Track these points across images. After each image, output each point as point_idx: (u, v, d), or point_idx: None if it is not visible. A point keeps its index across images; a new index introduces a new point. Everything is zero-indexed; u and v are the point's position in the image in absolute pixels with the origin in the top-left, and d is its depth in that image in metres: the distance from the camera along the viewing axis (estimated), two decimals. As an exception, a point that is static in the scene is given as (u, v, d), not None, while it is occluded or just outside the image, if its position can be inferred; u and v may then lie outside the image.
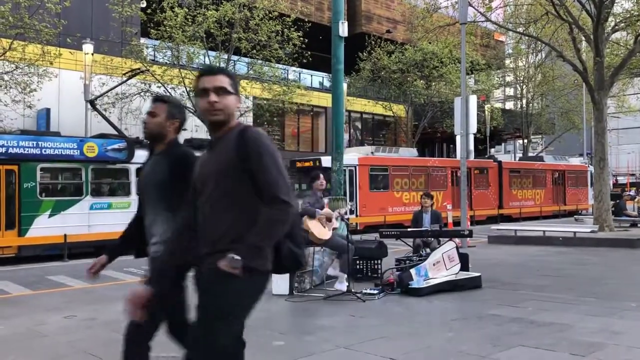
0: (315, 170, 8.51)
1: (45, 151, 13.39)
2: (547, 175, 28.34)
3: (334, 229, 7.57)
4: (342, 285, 7.39)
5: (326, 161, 18.89)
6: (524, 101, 37.94)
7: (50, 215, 13.44)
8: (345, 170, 14.32)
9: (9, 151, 12.92)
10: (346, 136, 31.47)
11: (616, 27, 16.68)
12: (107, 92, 18.49)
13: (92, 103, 16.49)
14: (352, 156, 20.11)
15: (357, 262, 8.75)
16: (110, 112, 20.44)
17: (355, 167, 20.05)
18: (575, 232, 13.99)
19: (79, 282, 9.43)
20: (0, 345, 5.35)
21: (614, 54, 19.87)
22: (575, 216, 23.89)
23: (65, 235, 13.19)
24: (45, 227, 13.25)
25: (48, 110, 22.24)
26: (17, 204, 13.09)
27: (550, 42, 19.17)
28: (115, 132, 15.77)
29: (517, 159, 35.42)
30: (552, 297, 7.12)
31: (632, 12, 16.44)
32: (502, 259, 11.39)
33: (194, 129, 23.57)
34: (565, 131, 38.77)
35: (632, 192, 35.89)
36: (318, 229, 7.33)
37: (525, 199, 26.95)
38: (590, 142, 22.75)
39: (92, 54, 19.50)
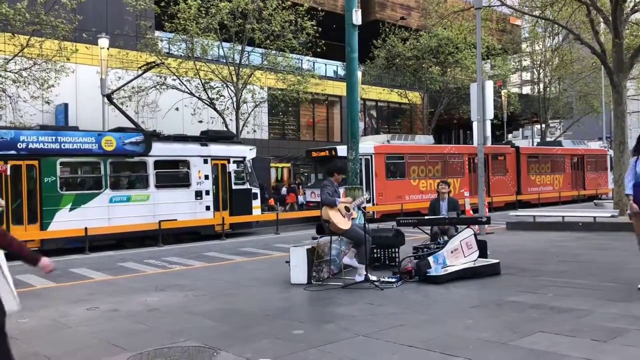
0: (336, 162, 8.42)
1: (64, 146, 13.56)
2: (566, 160, 28.01)
3: (352, 218, 7.58)
4: (360, 278, 7.40)
5: (342, 150, 18.86)
6: (541, 85, 37.46)
7: (71, 209, 13.63)
8: (361, 159, 14.30)
9: (29, 147, 13.11)
10: (361, 125, 31.40)
11: (635, 7, 16.36)
12: (123, 86, 18.64)
13: (108, 97, 16.64)
14: (367, 145, 20.06)
15: (375, 250, 8.76)
16: (127, 106, 20.63)
17: (371, 155, 20.00)
18: (595, 217, 13.83)
19: (101, 274, 9.58)
20: (26, 337, 5.46)
21: (634, 35, 19.52)
22: (594, 201, 23.61)
23: (86, 229, 13.38)
24: (67, 221, 13.46)
25: (66, 105, 22.49)
26: (38, 199, 13.30)
27: (567, 24, 18.85)
28: (133, 126, 15.92)
29: (535, 144, 35.05)
30: (572, 283, 7.08)
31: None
32: (521, 245, 11.31)
33: (210, 120, 23.71)
34: (583, 115, 38.24)
35: None
36: (338, 219, 7.35)
37: (543, 185, 26.68)
38: (610, 125, 22.42)
39: (108, 49, 19.66)
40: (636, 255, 9.51)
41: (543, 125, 38.38)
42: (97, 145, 14.00)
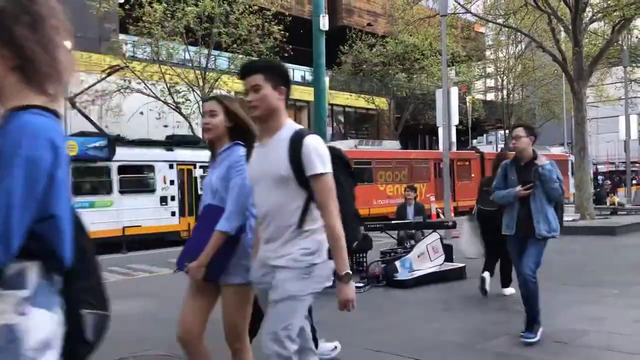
0: None
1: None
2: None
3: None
4: (328, 283, 7.38)
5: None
6: (505, 92, 38.20)
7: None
8: (328, 164, 14.30)
9: (-13, 151, 12.71)
10: (329, 130, 31.47)
11: (594, 17, 16.86)
12: (86, 89, 18.24)
13: (71, 101, 16.26)
14: (335, 150, 20.09)
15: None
16: (90, 110, 20.18)
17: (338, 160, 20.04)
18: (557, 221, 14.14)
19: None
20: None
21: (592, 44, 20.09)
22: (557, 205, 24.14)
23: (46, 235, 13.00)
24: (26, 228, 13.08)
25: (26, 108, 21.89)
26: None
27: (529, 33, 19.30)
28: (96, 130, 15.59)
29: (499, 149, 35.68)
30: (536, 286, 7.19)
31: (609, 2, 16.62)
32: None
33: (176, 125, 23.42)
34: (545, 121, 39.13)
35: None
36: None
37: (507, 189, 27.15)
38: (571, 131, 23.02)
39: (70, 51, 19.21)
40: (596, 257, 9.77)
41: (507, 131, 39.12)
42: (58, 149, 13.65)
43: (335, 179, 2.60)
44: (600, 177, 37.17)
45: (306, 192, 2.52)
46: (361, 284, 7.43)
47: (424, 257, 7.92)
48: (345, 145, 21.79)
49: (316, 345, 4.46)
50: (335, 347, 4.61)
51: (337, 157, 2.62)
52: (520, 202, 4.89)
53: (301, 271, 2.51)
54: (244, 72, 2.68)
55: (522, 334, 4.71)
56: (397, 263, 7.60)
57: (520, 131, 4.93)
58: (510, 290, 6.66)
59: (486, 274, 6.68)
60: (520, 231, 4.88)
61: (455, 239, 13.07)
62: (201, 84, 22.02)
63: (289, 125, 2.68)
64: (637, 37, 25.99)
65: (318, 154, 2.51)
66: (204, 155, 16.74)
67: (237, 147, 3.08)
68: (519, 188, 4.85)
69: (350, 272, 2.57)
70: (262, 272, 2.64)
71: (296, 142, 2.54)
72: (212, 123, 3.12)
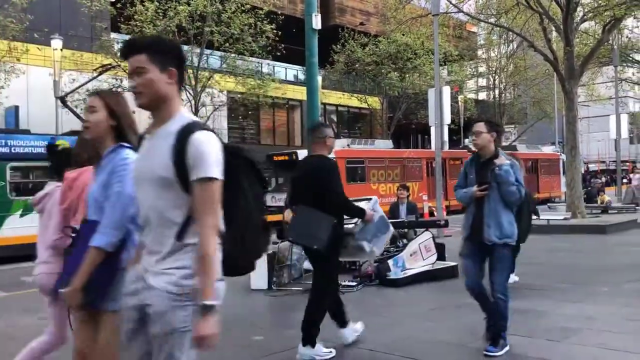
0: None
1: (15, 150, 13.10)
2: (521, 164, 28.65)
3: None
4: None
5: (302, 154, 18.84)
6: (497, 91, 38.34)
7: (22, 215, 13.16)
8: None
9: (-23, 150, 12.62)
10: (322, 129, 31.37)
11: (584, 17, 16.93)
12: (77, 88, 18.10)
13: (62, 100, 16.13)
14: (328, 149, 20.09)
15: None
16: (81, 109, 20.07)
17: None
18: (548, 220, 14.21)
19: (53, 282, 9.26)
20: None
21: (584, 44, 20.19)
22: (548, 204, 24.29)
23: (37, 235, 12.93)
24: (17, 227, 12.98)
25: (17, 107, 21.71)
26: (-14, 205, 12.81)
27: (521, 32, 19.37)
28: (87, 129, 15.49)
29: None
30: (528, 285, 7.23)
31: (600, 2, 16.70)
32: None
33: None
34: (537, 120, 39.33)
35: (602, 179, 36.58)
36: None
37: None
38: (562, 130, 23.14)
39: (61, 50, 19.10)
40: (587, 256, 9.83)
41: (498, 130, 39.23)
42: (49, 149, 13.56)
43: (236, 184, 2.25)
44: (588, 177, 37.36)
45: (191, 199, 2.10)
46: (354, 283, 7.44)
47: (417, 256, 7.94)
48: (338, 145, 21.79)
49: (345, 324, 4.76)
50: (331, 351, 4.58)
51: (241, 157, 2.30)
52: (476, 204, 4.52)
53: (183, 298, 2.08)
54: (125, 52, 2.23)
55: (485, 349, 4.40)
56: (390, 262, 7.61)
57: (480, 126, 4.52)
58: (513, 278, 7.05)
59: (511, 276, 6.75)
60: (475, 235, 4.50)
61: (448, 237, 13.13)
62: (193, 83, 21.96)
63: (180, 116, 2.21)
64: (627, 37, 26.13)
65: (206, 154, 2.07)
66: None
67: (122, 149, 2.65)
68: (474, 188, 4.49)
69: (215, 305, 2.05)
70: (137, 286, 2.19)
71: (183, 138, 2.08)
72: (91, 121, 2.73)
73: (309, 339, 4.44)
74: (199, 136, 2.08)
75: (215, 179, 2.07)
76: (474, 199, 4.51)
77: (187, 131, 2.10)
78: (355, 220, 4.83)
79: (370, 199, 5.06)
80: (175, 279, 2.09)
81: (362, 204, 4.82)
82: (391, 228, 5.23)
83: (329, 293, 4.64)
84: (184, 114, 2.24)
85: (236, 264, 2.25)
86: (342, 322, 4.80)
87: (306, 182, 4.58)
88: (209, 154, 2.07)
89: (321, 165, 4.55)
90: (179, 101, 2.28)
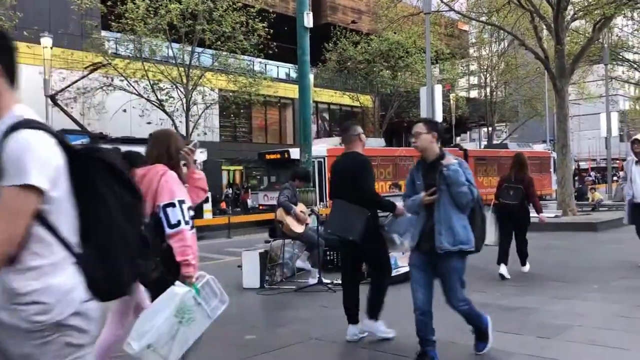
0: (301, 170, 8.41)
1: (4, 149, 13.02)
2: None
3: (306, 224, 7.59)
4: (313, 281, 7.40)
5: (295, 153, 18.85)
6: (488, 90, 38.50)
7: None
8: (314, 161, 14.31)
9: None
10: (314, 127, 31.47)
11: (575, 15, 17.02)
12: (68, 86, 18.00)
13: (52, 98, 16.02)
14: (320, 147, 20.11)
15: (328, 252, 8.77)
16: (72, 108, 19.97)
17: (324, 158, 20.05)
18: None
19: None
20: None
21: (574, 42, 20.30)
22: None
23: (28, 235, 12.87)
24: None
25: (6, 106, 21.60)
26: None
27: (512, 31, 19.45)
28: (78, 128, 15.41)
29: (482, 147, 35.96)
30: (519, 282, 7.27)
31: (590, 1, 16.80)
32: (470, 245, 11.55)
33: (159, 122, 23.26)
34: (528, 118, 39.53)
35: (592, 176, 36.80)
36: (291, 220, 7.34)
37: (491, 186, 27.27)
38: (553, 128, 23.26)
39: (51, 48, 18.97)
40: (578, 253, 9.89)
41: (490, 129, 39.44)
42: (40, 148, 13.47)
43: (91, 192, 1.90)
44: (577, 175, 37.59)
45: None
46: (346, 282, 7.44)
47: (409, 254, 7.94)
48: (331, 143, 21.81)
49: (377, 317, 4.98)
50: (392, 331, 4.97)
51: (94, 160, 1.97)
52: (426, 211, 4.16)
53: (35, 335, 1.74)
54: None
55: (475, 348, 4.42)
56: (382, 260, 7.61)
57: (420, 127, 4.18)
58: (527, 267, 7.87)
59: (502, 268, 7.54)
60: (425, 244, 4.16)
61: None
62: (185, 81, 21.89)
63: (10, 115, 1.83)
64: (617, 36, 26.34)
65: (24, 157, 1.72)
66: (188, 153, 16.65)
67: None
68: (422, 194, 4.15)
69: None
70: None
71: (2, 139, 1.75)
72: None
73: (373, 314, 4.93)
74: (20, 136, 1.73)
75: (31, 186, 1.70)
76: (424, 205, 4.16)
77: (9, 131, 1.75)
78: (387, 213, 5.08)
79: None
80: (23, 312, 1.73)
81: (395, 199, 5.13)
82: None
83: (387, 275, 5.15)
84: (14, 112, 1.84)
85: (97, 287, 1.86)
86: (374, 315, 5.04)
87: (343, 178, 4.91)
88: (29, 156, 1.72)
89: (355, 162, 4.91)
90: (11, 97, 1.88)
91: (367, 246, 4.81)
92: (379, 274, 5.05)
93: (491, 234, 7.64)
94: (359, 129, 5.13)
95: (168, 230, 3.22)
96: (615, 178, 28.34)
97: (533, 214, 8.20)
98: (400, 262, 7.77)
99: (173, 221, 3.23)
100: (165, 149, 3.52)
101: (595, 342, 4.59)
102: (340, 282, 7.40)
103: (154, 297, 3.12)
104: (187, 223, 3.26)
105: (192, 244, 3.29)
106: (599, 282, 7.04)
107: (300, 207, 7.61)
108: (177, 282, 3.12)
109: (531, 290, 6.78)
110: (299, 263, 7.73)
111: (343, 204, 4.83)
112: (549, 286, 6.96)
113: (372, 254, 4.96)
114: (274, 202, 8.69)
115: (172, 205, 3.25)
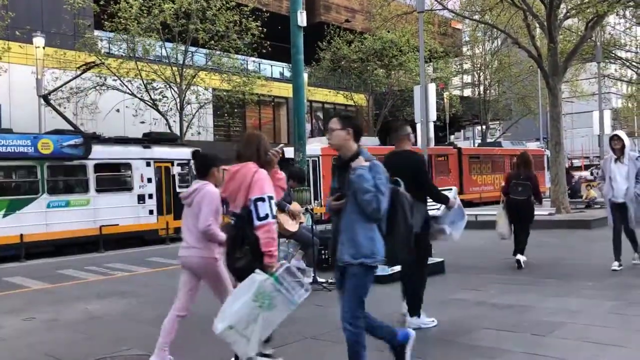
0: (297, 170, 8.44)
1: (-3, 149, 12.94)
2: (506, 160, 28.95)
3: (300, 222, 7.58)
4: (308, 280, 7.39)
5: (289, 152, 18.81)
6: (482, 88, 38.59)
7: (4, 215, 13.02)
8: (308, 160, 14.31)
9: (-42, 150, 12.44)
10: (308, 126, 31.45)
11: (568, 14, 17.07)
12: (60, 86, 17.95)
13: (45, 98, 15.99)
14: (315, 146, 20.11)
15: (323, 252, 8.77)
16: (65, 107, 19.88)
17: (318, 157, 20.05)
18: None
19: (38, 282, 9.17)
20: (-44, 352, 5.16)
21: (567, 40, 20.35)
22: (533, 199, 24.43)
23: (21, 235, 12.80)
24: (0, 227, 12.84)
25: (-1, 106, 21.47)
26: (-31, 205, 12.63)
27: (505, 29, 19.49)
28: (71, 128, 15.35)
29: (476, 145, 36.05)
30: (514, 280, 7.30)
31: (583, -1, 16.85)
32: (465, 244, 11.54)
33: (153, 122, 23.21)
34: (521, 117, 39.62)
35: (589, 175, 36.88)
36: (285, 219, 7.33)
37: (485, 184, 27.46)
38: (546, 126, 23.33)
39: (44, 48, 18.88)
40: (572, 251, 9.94)
41: (484, 127, 39.53)
42: (33, 148, 13.42)
43: None
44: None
45: None
46: (341, 280, 7.43)
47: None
48: (325, 142, 21.78)
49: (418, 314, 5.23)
50: (433, 320, 5.28)
51: None
52: (337, 218, 3.70)
53: None
54: None
55: None
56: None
57: (334, 123, 3.74)
58: (524, 257, 8.32)
59: (520, 256, 8.22)
60: (333, 257, 3.80)
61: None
62: (178, 80, 21.83)
63: None
64: (609, 34, 26.43)
65: None
66: (182, 152, 16.63)
67: None
68: (330, 199, 3.76)
69: None
70: None
71: None
72: None
73: (415, 311, 5.22)
74: None
75: None
76: (333, 211, 3.71)
77: None
78: (438, 206, 5.39)
79: (450, 189, 5.67)
80: None
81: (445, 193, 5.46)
82: (466, 217, 5.79)
83: (424, 269, 5.46)
84: None
85: None
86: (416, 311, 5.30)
87: (398, 174, 4.88)
88: None
89: (414, 159, 5.23)
90: None
91: (419, 237, 4.94)
92: (420, 264, 5.29)
93: (503, 228, 8.50)
94: (409, 129, 5.44)
95: (257, 222, 3.67)
96: (592, 177, 28.37)
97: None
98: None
99: (262, 214, 3.67)
100: (256, 149, 3.94)
101: (589, 339, 4.60)
102: (332, 281, 7.42)
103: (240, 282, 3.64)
104: (274, 217, 3.70)
105: (275, 236, 3.73)
106: (593, 279, 7.07)
107: (294, 206, 7.61)
108: (258, 270, 3.53)
109: (525, 287, 6.80)
110: (294, 262, 7.71)
111: None
112: (543, 283, 6.98)
113: (421, 243, 5.16)
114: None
115: (262, 199, 3.69)
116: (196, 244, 4.25)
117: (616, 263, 7.58)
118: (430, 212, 5.36)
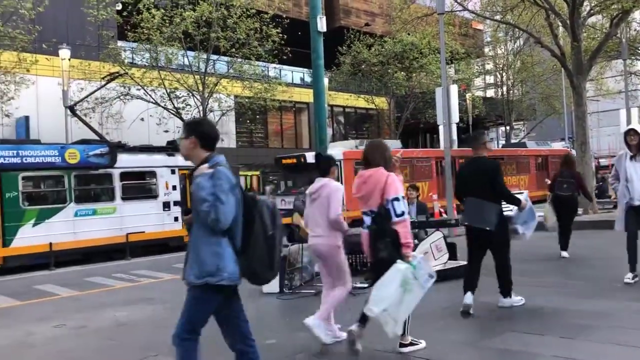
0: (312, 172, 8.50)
1: (26, 160, 13.21)
2: (531, 160, 28.56)
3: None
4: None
5: (311, 157, 18.85)
6: (505, 88, 38.18)
7: (34, 224, 13.27)
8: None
9: (-11, 161, 12.74)
10: (329, 131, 31.47)
11: (591, 11, 16.82)
12: (86, 97, 18.29)
13: (71, 109, 16.30)
14: (336, 151, 20.07)
15: (346, 256, 8.74)
16: (90, 117, 20.25)
17: (340, 161, 20.04)
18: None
19: (67, 290, 9.34)
20: (-11, 359, 5.28)
21: (591, 38, 20.04)
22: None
23: (50, 244, 13.05)
24: (30, 237, 13.09)
25: (27, 118, 21.95)
26: (0, 215, 12.92)
27: (527, 28, 19.28)
28: (97, 137, 15.61)
29: (500, 146, 35.64)
30: (541, 282, 7.19)
31: (607, -5, 16.58)
32: (490, 246, 11.45)
33: (176, 130, 23.47)
34: (546, 116, 39.08)
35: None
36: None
37: (509, 186, 26.82)
38: (571, 126, 22.99)
39: (69, 59, 19.28)
40: (600, 252, 9.76)
41: (507, 128, 39.09)
42: (60, 158, 13.68)
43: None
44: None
45: None
46: (365, 285, 7.42)
47: (428, 256, 7.90)
48: (346, 146, 21.79)
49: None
50: (521, 299, 5.92)
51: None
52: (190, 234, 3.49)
53: None
54: None
55: None
56: (401, 262, 7.59)
57: (180, 133, 3.59)
58: (566, 253, 9.10)
59: (564, 253, 9.12)
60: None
61: (459, 237, 13.07)
62: (201, 88, 22.06)
63: None
64: (635, 30, 25.91)
65: None
66: (205, 159, 16.73)
67: None
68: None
69: None
70: None
71: None
72: None
73: (507, 292, 5.88)
74: None
75: None
76: (188, 228, 3.45)
77: None
78: (511, 207, 5.98)
79: (522, 192, 6.41)
80: None
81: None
82: (537, 218, 6.35)
83: (508, 258, 5.96)
84: None
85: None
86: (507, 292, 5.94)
87: (475, 179, 5.78)
88: None
89: (491, 166, 5.84)
90: None
91: (496, 235, 5.66)
92: (503, 257, 5.88)
93: (552, 220, 9.19)
94: (487, 137, 6.19)
95: (395, 219, 4.31)
96: (605, 176, 27.75)
97: None
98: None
99: (399, 211, 4.32)
100: (383, 156, 4.60)
101: (619, 342, 4.52)
102: (359, 285, 7.41)
103: (379, 272, 4.26)
104: (408, 213, 4.42)
105: (410, 230, 4.41)
106: (622, 280, 6.93)
107: None
108: (398, 260, 4.18)
109: (553, 290, 6.70)
110: (317, 267, 7.71)
111: (477, 200, 5.70)
112: (571, 285, 6.87)
113: (499, 239, 5.77)
114: (291, 207, 8.71)
115: (397, 199, 4.34)
116: (323, 233, 5.03)
117: (630, 275, 6.66)
118: (505, 213, 5.92)
